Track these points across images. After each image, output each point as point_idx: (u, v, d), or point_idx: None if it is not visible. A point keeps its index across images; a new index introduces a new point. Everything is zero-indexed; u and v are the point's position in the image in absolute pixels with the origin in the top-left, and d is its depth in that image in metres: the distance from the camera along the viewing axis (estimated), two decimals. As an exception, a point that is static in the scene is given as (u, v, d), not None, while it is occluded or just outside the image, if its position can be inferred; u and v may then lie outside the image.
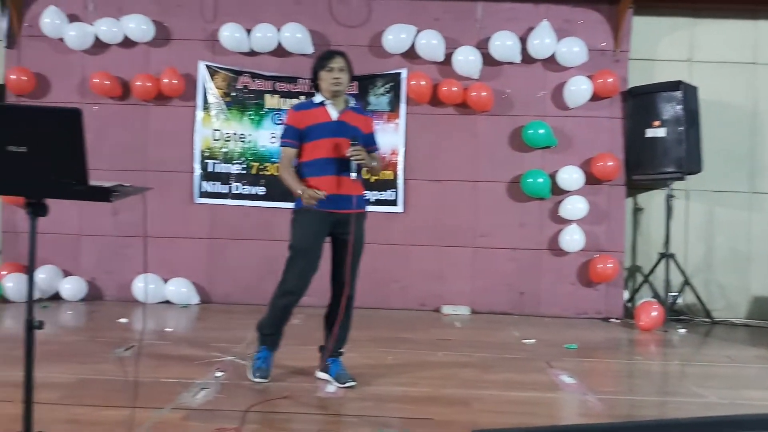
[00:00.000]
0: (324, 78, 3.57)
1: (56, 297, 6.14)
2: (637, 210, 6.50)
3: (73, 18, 6.30)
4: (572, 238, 6.09)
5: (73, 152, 2.01)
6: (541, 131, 6.08)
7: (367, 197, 3.79)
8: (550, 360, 4.40)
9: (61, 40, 6.26)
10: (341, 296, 3.64)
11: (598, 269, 6.08)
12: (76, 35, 6.19)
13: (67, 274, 6.19)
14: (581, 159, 6.19)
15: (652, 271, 6.21)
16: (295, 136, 3.55)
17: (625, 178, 6.23)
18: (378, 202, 6.22)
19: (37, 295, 5.90)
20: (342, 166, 3.47)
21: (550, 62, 6.18)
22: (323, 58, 3.62)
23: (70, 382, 3.52)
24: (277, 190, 6.16)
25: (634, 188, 6.41)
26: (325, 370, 3.74)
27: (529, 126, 6.11)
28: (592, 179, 6.14)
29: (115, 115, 6.34)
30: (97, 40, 6.27)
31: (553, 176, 6.13)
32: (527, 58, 6.17)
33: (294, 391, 3.51)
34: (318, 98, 3.64)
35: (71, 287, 6.08)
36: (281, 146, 3.66)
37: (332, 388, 3.59)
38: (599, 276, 6.10)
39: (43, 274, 6.02)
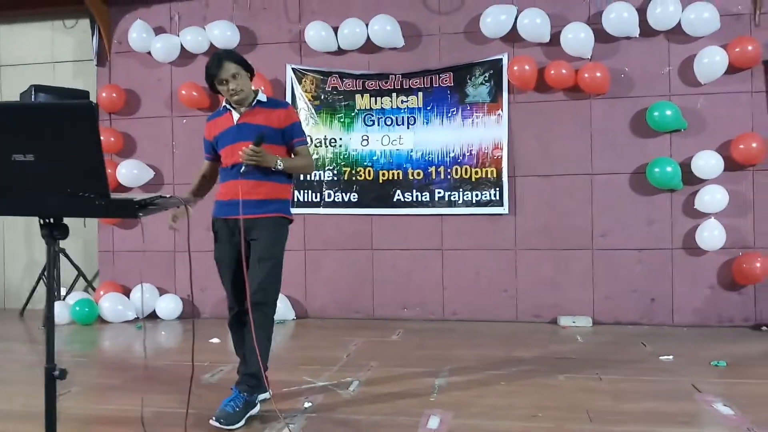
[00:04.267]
0: (222, 91, 3.22)
1: (153, 316, 6.01)
2: (788, 198, 5.55)
3: (159, 30, 6.19)
4: (711, 234, 5.24)
5: (89, 158, 1.60)
6: (669, 113, 5.27)
7: (282, 201, 3.29)
8: (696, 382, 3.66)
9: (149, 53, 6.16)
10: (247, 313, 3.11)
11: (744, 269, 5.19)
12: (163, 47, 6.06)
13: (162, 292, 6.05)
14: (718, 142, 5.32)
15: (812, 269, 5.25)
16: (207, 149, 3.43)
17: (773, 162, 5.31)
18: (478, 204, 5.65)
19: (132, 315, 5.84)
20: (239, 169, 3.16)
21: (676, 33, 5.37)
22: (208, 69, 3.19)
23: (146, 416, 3.19)
24: (369, 195, 5.75)
25: (784, 173, 5.47)
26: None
27: (654, 107, 5.32)
28: (732, 165, 5.26)
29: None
30: (184, 50, 6.12)
31: (685, 164, 5.31)
32: (647, 31, 5.39)
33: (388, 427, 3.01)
34: (224, 104, 3.35)
35: (167, 306, 5.93)
36: None
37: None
38: (746, 277, 5.21)
39: (138, 293, 5.91)
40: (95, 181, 1.64)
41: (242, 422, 3.06)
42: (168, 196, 1.89)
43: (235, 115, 3.25)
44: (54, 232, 1.74)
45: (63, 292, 6.14)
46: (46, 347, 1.95)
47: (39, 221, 1.73)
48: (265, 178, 3.19)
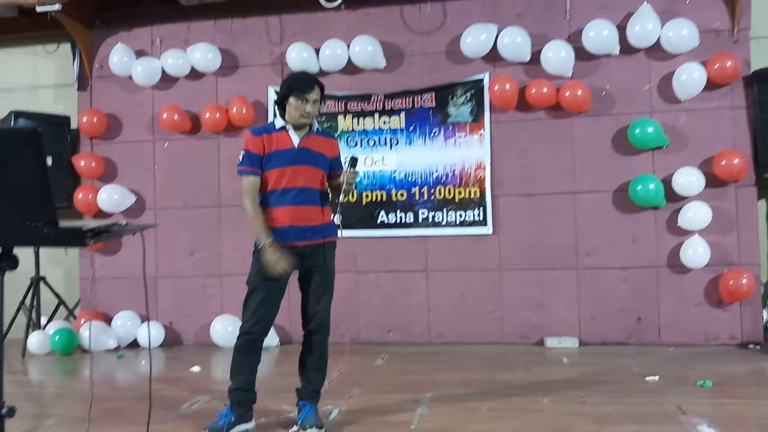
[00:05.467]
0: (294, 105, 3.23)
1: (134, 344, 5.91)
2: (772, 214, 5.54)
3: (140, 54, 6.17)
4: (695, 252, 5.21)
5: (35, 186, 1.55)
6: (650, 130, 5.27)
7: (336, 224, 3.37)
8: (681, 403, 3.60)
9: (130, 77, 6.13)
10: (312, 334, 3.34)
11: (730, 286, 5.16)
12: (143, 71, 6.03)
13: (144, 319, 5.96)
14: (700, 158, 5.31)
15: (798, 285, 5.24)
16: (257, 164, 3.23)
17: (755, 177, 5.29)
18: (462, 224, 5.62)
19: (114, 343, 5.75)
20: (306, 195, 3.22)
21: (655, 50, 5.38)
22: (299, 82, 3.25)
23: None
24: (353, 217, 5.70)
25: (766, 188, 5.45)
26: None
27: (636, 125, 5.32)
28: (714, 181, 5.25)
29: (185, 150, 6.11)
30: (165, 74, 6.09)
31: (667, 181, 5.29)
32: (627, 48, 5.40)
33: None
34: (279, 122, 3.30)
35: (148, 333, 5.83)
36: (240, 174, 3.26)
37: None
38: (731, 294, 5.17)
39: (120, 321, 5.82)
40: (42, 209, 1.59)
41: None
42: (124, 223, 1.83)
43: (295, 138, 3.26)
44: (1, 263, 1.68)
45: (43, 321, 6.04)
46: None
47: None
48: (320, 204, 3.30)
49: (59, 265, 6.46)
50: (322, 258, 3.27)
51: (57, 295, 6.18)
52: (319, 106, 3.28)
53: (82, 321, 5.85)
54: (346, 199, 3.31)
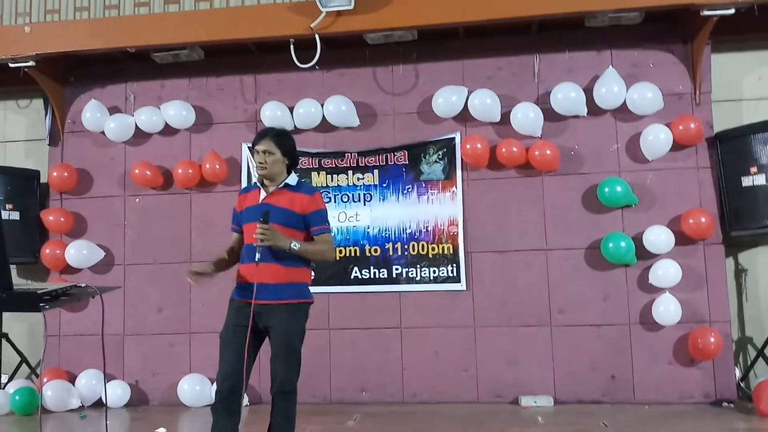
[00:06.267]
0: (254, 161, 3.41)
1: (99, 403, 5.71)
2: (740, 272, 5.61)
3: (113, 110, 6.17)
4: (667, 309, 5.24)
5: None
6: (619, 189, 5.37)
7: (299, 285, 3.29)
8: (657, 465, 3.56)
9: (103, 133, 6.11)
10: (275, 396, 3.24)
11: (700, 344, 5.17)
12: (117, 126, 6.02)
13: (109, 378, 5.78)
14: (668, 217, 5.41)
15: (767, 342, 5.26)
16: (234, 221, 3.46)
17: (722, 236, 5.39)
18: (436, 280, 5.61)
19: (77, 403, 5.55)
20: (266, 252, 3.17)
21: (621, 112, 5.53)
22: (255, 138, 3.40)
23: None
24: (326, 273, 5.66)
25: (734, 246, 5.56)
26: None
27: (605, 183, 5.42)
28: (683, 239, 5.34)
29: (157, 206, 6.06)
30: (138, 130, 6.09)
31: (638, 238, 5.36)
32: (594, 110, 5.55)
33: None
34: (255, 180, 3.48)
35: (113, 392, 5.63)
36: None
37: None
38: (702, 352, 5.18)
39: (84, 380, 5.64)
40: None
41: None
42: (83, 285, 1.78)
43: (262, 194, 3.31)
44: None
45: (4, 379, 5.83)
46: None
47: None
48: (279, 262, 3.19)
49: (23, 321, 6.28)
50: (277, 319, 3.16)
51: (19, 352, 5.99)
52: (276, 157, 3.24)
53: (44, 380, 5.65)
54: (260, 250, 3.14)
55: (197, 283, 3.30)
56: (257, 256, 3.10)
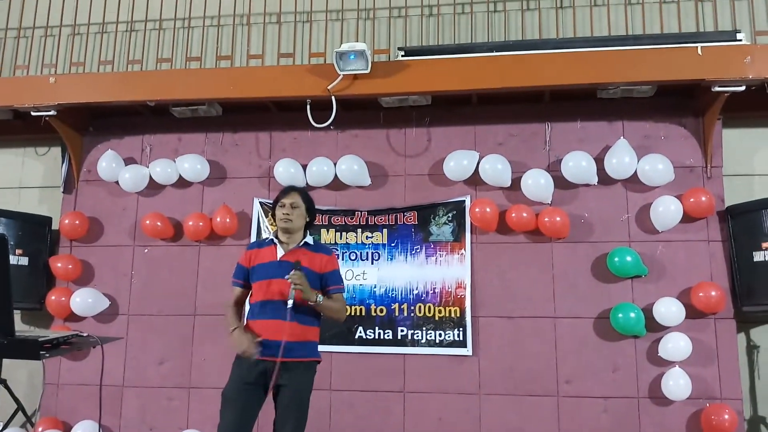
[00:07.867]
0: (276, 214, 3.47)
1: (93, 457, 5.60)
2: (752, 348, 5.50)
3: (129, 161, 6.26)
4: (677, 384, 5.12)
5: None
6: (629, 259, 5.33)
7: (313, 343, 3.38)
8: None
9: (117, 183, 6.19)
10: None
11: (713, 421, 5.03)
12: (131, 177, 6.09)
13: (106, 430, 5.67)
14: (678, 289, 5.35)
15: (781, 423, 5.12)
16: (240, 276, 3.51)
17: (733, 311, 5.31)
18: (442, 344, 5.53)
19: (70, 456, 5.43)
20: (279, 308, 3.24)
21: (632, 182, 5.55)
22: (279, 193, 3.56)
23: None
24: (329, 331, 5.59)
25: (745, 322, 5.46)
26: None
27: (614, 253, 5.39)
28: (693, 312, 5.26)
29: (165, 257, 6.07)
30: (152, 181, 6.16)
31: (648, 310, 5.29)
32: (605, 179, 5.57)
33: None
34: (269, 236, 3.53)
35: (108, 446, 5.54)
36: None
37: None
38: (714, 430, 5.04)
39: (79, 431, 5.54)
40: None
41: None
42: (85, 334, 1.78)
43: (280, 251, 3.38)
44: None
45: (-2, 428, 5.73)
46: None
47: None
48: (298, 320, 3.25)
49: (23, 368, 6.21)
50: (292, 377, 3.17)
51: (16, 399, 5.87)
52: (300, 212, 3.38)
53: (39, 429, 5.55)
54: (292, 301, 3.23)
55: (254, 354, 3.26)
56: (289, 305, 3.17)
